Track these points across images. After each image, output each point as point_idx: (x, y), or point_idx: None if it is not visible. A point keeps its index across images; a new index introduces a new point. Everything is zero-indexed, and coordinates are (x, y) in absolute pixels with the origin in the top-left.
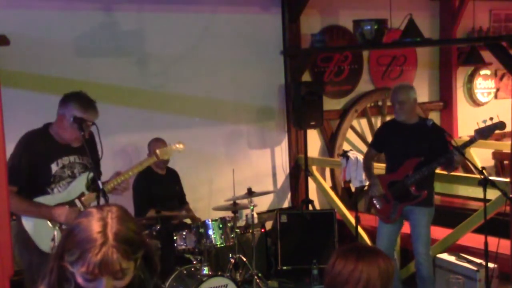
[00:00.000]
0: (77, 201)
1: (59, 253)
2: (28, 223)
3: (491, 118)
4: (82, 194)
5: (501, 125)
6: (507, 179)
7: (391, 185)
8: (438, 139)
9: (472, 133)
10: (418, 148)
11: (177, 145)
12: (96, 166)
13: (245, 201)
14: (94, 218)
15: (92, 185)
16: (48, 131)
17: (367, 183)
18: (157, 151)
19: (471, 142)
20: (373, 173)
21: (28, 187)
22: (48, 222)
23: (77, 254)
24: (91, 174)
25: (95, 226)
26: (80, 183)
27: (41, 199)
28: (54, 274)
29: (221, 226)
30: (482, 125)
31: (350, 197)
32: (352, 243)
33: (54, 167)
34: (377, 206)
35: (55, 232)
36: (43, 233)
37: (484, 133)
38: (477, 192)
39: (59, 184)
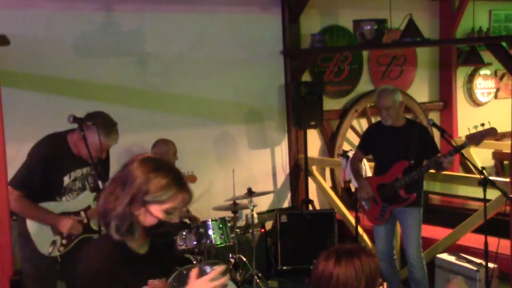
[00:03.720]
0: (82, 213)
1: (138, 197)
2: (32, 225)
3: (482, 124)
4: (89, 207)
5: (492, 131)
6: (507, 179)
7: (380, 187)
8: (426, 142)
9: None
10: (406, 151)
11: (191, 176)
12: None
13: (245, 201)
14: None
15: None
16: (66, 140)
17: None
18: None
19: (462, 147)
20: (361, 175)
21: (38, 194)
22: (50, 227)
23: (168, 194)
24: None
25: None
26: (88, 196)
27: (47, 205)
28: (126, 220)
29: (221, 226)
30: (473, 130)
31: (350, 197)
32: (335, 246)
33: (66, 180)
34: (365, 207)
35: (56, 238)
36: (44, 237)
37: (475, 139)
38: (477, 192)
39: (68, 195)
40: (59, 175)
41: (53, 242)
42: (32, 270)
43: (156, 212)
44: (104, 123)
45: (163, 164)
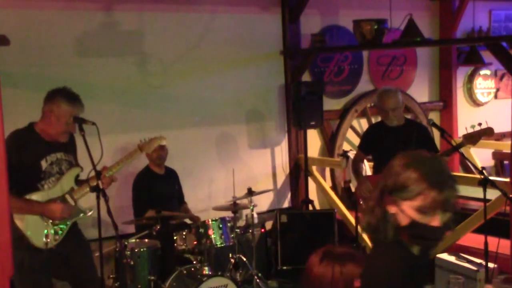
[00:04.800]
0: (67, 196)
1: (386, 191)
2: (20, 220)
3: (480, 124)
4: (72, 189)
5: (489, 131)
6: (507, 179)
7: None
8: (426, 141)
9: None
10: (405, 150)
11: (158, 137)
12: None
13: (245, 201)
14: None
15: (85, 180)
16: (33, 129)
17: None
18: (139, 144)
19: (459, 146)
20: (362, 174)
21: (18, 185)
22: (40, 218)
23: (416, 190)
24: (79, 169)
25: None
26: (69, 179)
27: (33, 196)
28: (374, 216)
29: (221, 226)
30: (470, 130)
31: (350, 197)
32: (330, 245)
33: (43, 164)
34: (364, 206)
35: (49, 228)
36: (36, 229)
37: (472, 138)
38: (477, 192)
39: (48, 180)
40: (35, 160)
41: (47, 234)
42: (25, 271)
43: (407, 209)
44: (67, 94)
45: (421, 158)
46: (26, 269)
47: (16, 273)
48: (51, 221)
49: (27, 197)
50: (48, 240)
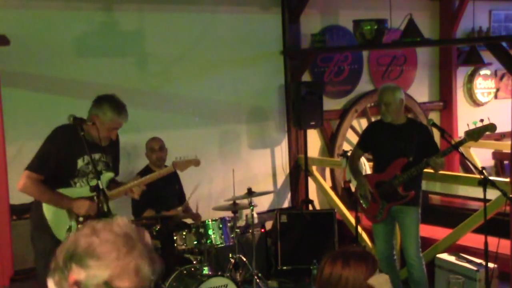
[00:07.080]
0: (95, 198)
1: None
2: (48, 211)
3: (482, 120)
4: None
5: (491, 127)
6: (507, 179)
7: (378, 185)
8: (427, 140)
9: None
10: (405, 149)
11: (193, 160)
12: (114, 167)
13: (245, 201)
14: None
15: (111, 184)
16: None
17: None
18: (174, 162)
19: (460, 143)
20: (360, 172)
21: (53, 178)
22: (67, 212)
23: None
24: (112, 174)
25: None
26: (102, 181)
27: (63, 191)
28: None
29: (221, 226)
30: (472, 126)
31: (350, 197)
32: (341, 248)
33: (80, 162)
34: (363, 205)
35: (72, 223)
36: (61, 222)
37: (474, 135)
38: (477, 192)
39: (82, 179)
40: (72, 158)
41: (70, 228)
42: (48, 258)
43: None
44: (114, 102)
45: None
46: (49, 257)
47: (39, 259)
48: (76, 217)
49: (59, 190)
50: (70, 234)
